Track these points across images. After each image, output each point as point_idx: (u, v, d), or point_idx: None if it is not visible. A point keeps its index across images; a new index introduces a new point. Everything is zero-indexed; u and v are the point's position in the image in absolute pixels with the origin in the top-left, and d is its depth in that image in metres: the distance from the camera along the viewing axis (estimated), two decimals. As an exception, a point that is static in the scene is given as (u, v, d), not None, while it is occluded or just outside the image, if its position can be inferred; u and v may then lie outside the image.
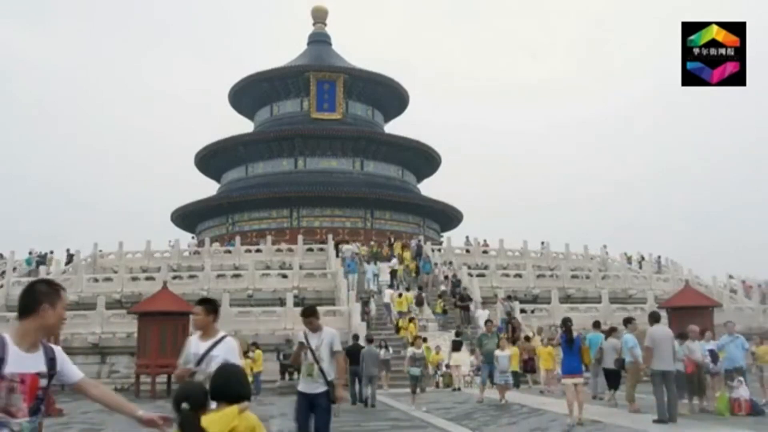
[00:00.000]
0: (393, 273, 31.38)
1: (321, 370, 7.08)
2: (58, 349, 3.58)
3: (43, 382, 3.42)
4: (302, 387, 7.31)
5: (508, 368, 16.14)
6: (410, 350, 17.27)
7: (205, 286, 28.21)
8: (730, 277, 36.85)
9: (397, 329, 25.26)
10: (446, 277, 30.85)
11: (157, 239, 37.76)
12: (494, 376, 16.29)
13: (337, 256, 33.55)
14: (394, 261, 33.73)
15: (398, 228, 49.88)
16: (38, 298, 3.45)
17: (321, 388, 7.05)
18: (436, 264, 33.40)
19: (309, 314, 7.34)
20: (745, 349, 14.19)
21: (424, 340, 23.17)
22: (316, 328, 7.24)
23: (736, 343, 13.90)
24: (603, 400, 15.36)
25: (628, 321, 15.00)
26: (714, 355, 13.67)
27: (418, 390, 16.11)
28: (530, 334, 23.28)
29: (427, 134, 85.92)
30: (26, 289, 3.51)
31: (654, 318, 12.54)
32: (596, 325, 17.53)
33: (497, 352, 16.24)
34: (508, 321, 25.08)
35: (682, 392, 12.80)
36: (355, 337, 19.38)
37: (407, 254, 35.37)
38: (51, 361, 3.47)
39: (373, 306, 27.22)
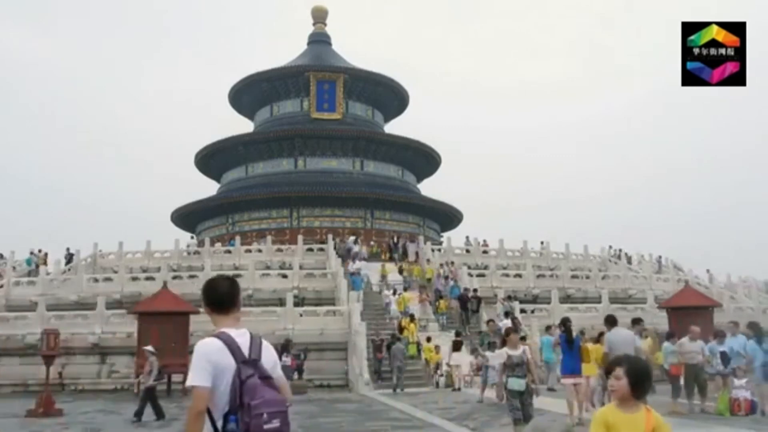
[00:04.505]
0: (356, 272, 31.09)
1: None
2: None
3: None
4: None
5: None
6: (501, 352, 10.50)
7: (205, 286, 28.15)
8: (677, 267, 38.37)
9: (400, 329, 25.26)
10: (446, 278, 30.79)
11: (157, 239, 37.81)
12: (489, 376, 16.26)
13: (338, 255, 33.49)
14: (364, 262, 33.32)
15: (398, 228, 49.80)
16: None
17: None
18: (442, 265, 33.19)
19: None
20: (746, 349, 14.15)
21: (428, 339, 23.15)
22: None
23: (738, 342, 13.87)
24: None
25: (636, 321, 14.57)
26: (725, 358, 13.54)
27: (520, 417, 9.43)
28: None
29: (427, 134, 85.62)
30: (230, 283, 3.53)
31: (610, 322, 11.75)
32: (548, 328, 20.13)
33: (487, 353, 16.24)
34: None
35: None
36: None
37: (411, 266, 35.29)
38: None
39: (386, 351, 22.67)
